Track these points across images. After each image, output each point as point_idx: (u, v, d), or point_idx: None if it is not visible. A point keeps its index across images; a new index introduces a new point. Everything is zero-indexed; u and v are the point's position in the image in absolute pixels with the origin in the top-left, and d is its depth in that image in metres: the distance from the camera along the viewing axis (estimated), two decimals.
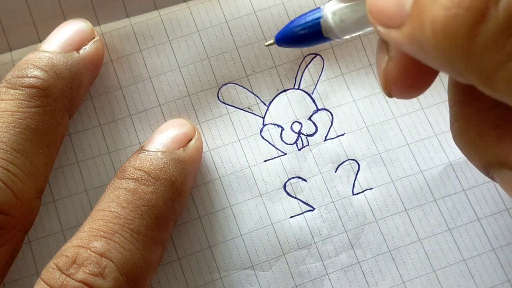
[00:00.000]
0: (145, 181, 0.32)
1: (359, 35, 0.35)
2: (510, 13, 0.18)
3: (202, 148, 0.36)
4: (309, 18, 0.30)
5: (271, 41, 0.34)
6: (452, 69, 0.21)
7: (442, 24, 0.19)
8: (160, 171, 0.33)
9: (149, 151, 0.34)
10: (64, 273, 0.29)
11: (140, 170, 0.32)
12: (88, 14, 0.38)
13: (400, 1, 0.21)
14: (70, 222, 0.36)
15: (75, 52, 0.35)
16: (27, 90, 0.32)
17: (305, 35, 0.30)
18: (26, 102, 0.32)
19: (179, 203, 0.33)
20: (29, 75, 0.33)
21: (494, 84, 0.20)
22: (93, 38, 0.36)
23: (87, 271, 0.28)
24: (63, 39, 0.35)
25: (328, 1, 0.29)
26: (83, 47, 0.36)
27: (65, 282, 0.28)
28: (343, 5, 0.28)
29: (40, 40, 0.38)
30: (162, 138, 0.34)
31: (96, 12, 0.39)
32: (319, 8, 0.29)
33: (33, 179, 0.32)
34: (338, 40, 0.30)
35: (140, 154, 0.33)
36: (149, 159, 0.33)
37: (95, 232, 0.30)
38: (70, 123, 0.37)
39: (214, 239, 0.36)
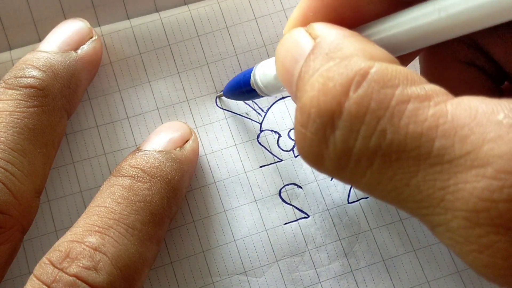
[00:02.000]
0: (141, 178, 0.32)
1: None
2: (337, 154, 0.23)
3: (198, 150, 0.36)
4: (243, 77, 0.34)
5: (220, 93, 0.38)
6: None
7: (299, 150, 0.25)
8: (156, 169, 0.33)
9: (145, 150, 0.34)
10: (57, 268, 0.28)
11: (136, 168, 0.33)
12: (88, 14, 0.38)
13: (290, 84, 0.26)
14: (64, 222, 0.36)
15: (73, 51, 0.35)
16: (25, 90, 0.32)
17: (241, 92, 0.34)
18: (24, 102, 0.32)
19: (175, 201, 0.33)
20: (27, 75, 0.33)
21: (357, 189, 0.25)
22: (91, 38, 0.36)
23: (81, 265, 0.28)
24: (61, 39, 0.35)
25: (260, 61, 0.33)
26: (81, 47, 0.36)
27: (57, 276, 0.28)
28: (266, 65, 0.31)
29: (40, 39, 0.38)
30: (159, 139, 0.35)
31: (96, 13, 0.39)
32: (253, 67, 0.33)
33: (31, 179, 0.32)
34: (269, 96, 0.35)
35: (136, 154, 0.34)
36: (145, 158, 0.33)
37: (90, 227, 0.30)
38: (67, 124, 0.37)
39: (208, 244, 0.36)
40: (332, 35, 0.25)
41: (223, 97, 0.38)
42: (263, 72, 0.31)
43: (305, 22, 0.27)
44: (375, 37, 0.25)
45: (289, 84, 0.26)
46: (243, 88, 0.34)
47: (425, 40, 0.24)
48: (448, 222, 0.21)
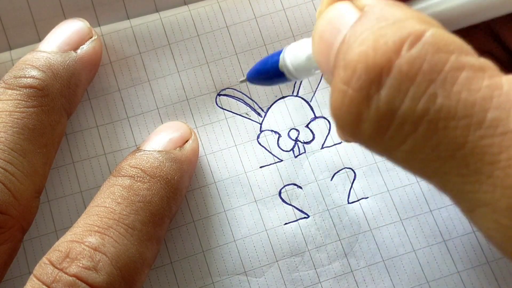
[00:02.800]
0: (141, 178, 0.32)
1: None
2: (379, 115, 0.21)
3: (198, 149, 0.36)
4: (271, 59, 0.32)
5: (243, 78, 0.35)
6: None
7: (333, 112, 0.23)
8: (156, 169, 0.33)
9: (145, 150, 0.34)
10: (57, 268, 0.28)
11: (136, 168, 0.33)
12: (88, 14, 0.38)
13: (328, 57, 0.24)
14: (63, 222, 0.36)
15: (72, 51, 0.35)
16: (24, 90, 0.32)
17: (268, 75, 0.32)
18: (23, 102, 0.32)
19: (175, 201, 0.33)
20: (27, 75, 0.33)
21: (391, 160, 0.23)
22: (91, 38, 0.36)
23: (80, 265, 0.28)
24: (61, 39, 0.35)
25: (289, 44, 0.31)
26: (81, 47, 0.36)
27: (57, 276, 0.28)
28: (297, 46, 0.30)
29: (40, 39, 0.38)
30: (159, 139, 0.35)
31: (96, 13, 0.39)
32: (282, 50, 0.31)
33: (31, 179, 0.32)
34: (298, 80, 0.32)
35: (136, 154, 0.34)
36: (145, 158, 0.33)
37: (89, 227, 0.30)
38: (67, 124, 0.37)
39: (208, 244, 0.36)
40: (381, 3, 0.23)
41: (223, 97, 0.38)
42: (294, 54, 0.30)
43: None
44: (424, 9, 0.25)
45: (326, 57, 0.24)
46: (270, 71, 0.32)
47: (474, 16, 0.24)
48: (495, 202, 0.20)
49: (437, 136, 0.21)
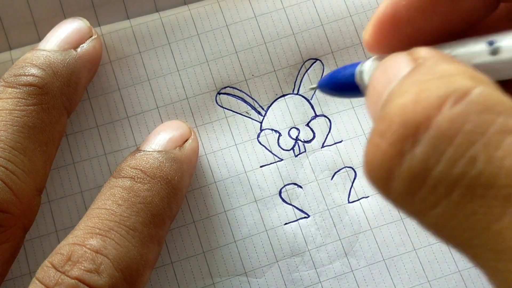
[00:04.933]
0: (141, 179, 0.32)
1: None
2: (411, 174, 0.20)
3: (198, 149, 0.36)
4: (345, 71, 0.30)
5: (314, 86, 0.34)
6: None
7: (366, 165, 0.22)
8: (156, 169, 0.33)
9: (145, 151, 0.34)
10: (59, 271, 0.28)
11: (136, 169, 0.33)
12: (88, 14, 0.38)
13: (376, 108, 0.23)
14: (64, 223, 0.36)
15: (72, 50, 0.35)
16: (24, 88, 0.32)
17: (342, 87, 0.30)
18: (23, 100, 0.32)
19: (175, 201, 0.33)
20: (27, 74, 0.33)
21: (421, 225, 0.21)
22: (91, 37, 0.36)
23: (82, 267, 0.28)
24: (61, 37, 0.35)
25: (367, 59, 0.29)
26: (81, 45, 0.36)
27: (60, 279, 0.28)
28: (375, 64, 0.28)
29: (40, 39, 0.37)
30: (158, 139, 0.34)
31: (96, 13, 0.39)
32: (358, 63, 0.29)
33: (32, 177, 0.32)
34: None
35: (136, 154, 0.34)
36: (145, 159, 0.33)
37: (91, 230, 0.30)
38: (67, 124, 0.37)
39: (208, 245, 0.36)
40: (436, 57, 0.22)
41: (223, 95, 0.38)
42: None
43: (397, 13, 0.25)
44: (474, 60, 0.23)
45: (375, 107, 0.23)
46: (344, 83, 0.30)
47: None
48: None
49: (473, 203, 0.19)
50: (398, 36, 0.26)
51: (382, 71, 0.23)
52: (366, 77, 0.28)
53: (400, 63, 0.23)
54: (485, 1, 0.26)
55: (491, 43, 0.23)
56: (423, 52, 0.23)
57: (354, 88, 0.29)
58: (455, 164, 0.19)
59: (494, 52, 0.23)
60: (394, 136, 0.20)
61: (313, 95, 0.38)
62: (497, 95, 0.20)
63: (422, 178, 0.20)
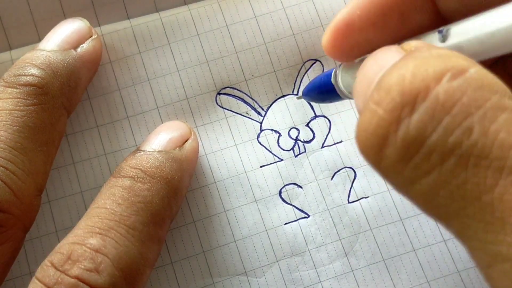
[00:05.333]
0: (141, 179, 0.32)
1: None
2: (407, 141, 0.20)
3: (198, 149, 0.36)
4: (325, 77, 0.32)
5: (299, 95, 0.37)
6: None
7: (359, 133, 0.22)
8: (156, 169, 0.33)
9: (145, 151, 0.34)
10: (59, 270, 0.28)
11: (136, 168, 0.33)
12: (88, 14, 0.38)
13: (366, 91, 0.23)
14: (64, 223, 0.36)
15: (72, 50, 0.35)
16: (24, 89, 0.32)
17: (321, 93, 0.32)
18: (23, 100, 0.32)
19: (175, 201, 0.33)
20: (26, 74, 0.33)
21: (408, 196, 0.22)
22: (91, 36, 0.36)
23: (82, 266, 0.28)
24: (61, 37, 0.35)
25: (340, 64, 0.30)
26: (81, 45, 0.36)
27: (59, 278, 0.28)
28: (349, 67, 0.29)
29: (40, 40, 0.38)
30: (158, 139, 0.35)
31: (96, 13, 0.39)
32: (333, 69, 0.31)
33: (32, 177, 0.32)
34: (352, 99, 0.31)
35: (136, 154, 0.34)
36: (145, 158, 0.33)
37: (90, 229, 0.30)
38: (67, 124, 0.37)
39: (208, 244, 0.36)
40: (428, 45, 0.23)
41: (223, 96, 0.38)
42: (346, 75, 0.30)
43: (352, 22, 0.26)
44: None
45: (364, 93, 0.23)
46: (324, 91, 0.32)
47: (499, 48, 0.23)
48: None
49: (465, 173, 0.19)
50: (351, 43, 0.28)
51: (374, 60, 0.24)
52: (340, 81, 0.30)
53: (392, 53, 0.23)
54: (431, 18, 0.27)
55: (440, 32, 0.24)
56: (414, 43, 0.24)
57: (333, 91, 0.31)
58: (451, 133, 0.19)
59: (444, 38, 0.24)
60: (392, 103, 0.21)
61: None
62: (491, 76, 0.20)
63: (417, 145, 0.20)
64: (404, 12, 0.27)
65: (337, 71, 0.31)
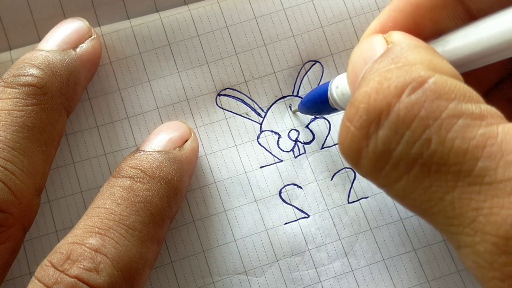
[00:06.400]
0: (141, 179, 0.32)
1: None
2: (376, 154, 0.23)
3: (198, 149, 0.36)
4: (319, 91, 0.33)
5: (295, 109, 0.37)
6: None
7: (339, 145, 0.25)
8: (155, 169, 0.33)
9: (145, 151, 0.34)
10: (58, 270, 0.28)
11: (136, 168, 0.33)
12: (88, 14, 0.38)
13: (355, 81, 0.26)
14: (64, 222, 0.36)
15: (71, 50, 0.35)
16: (23, 89, 0.32)
17: (317, 107, 0.34)
18: (22, 100, 0.32)
19: (175, 201, 0.33)
20: (26, 74, 0.33)
21: (389, 195, 0.25)
22: (90, 37, 0.36)
23: (81, 266, 0.28)
24: (60, 37, 0.35)
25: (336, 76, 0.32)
26: (80, 45, 0.36)
27: (59, 278, 0.28)
28: (344, 78, 0.31)
29: (40, 40, 0.38)
30: (158, 139, 0.35)
31: (96, 13, 0.39)
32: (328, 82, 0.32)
33: (31, 177, 0.32)
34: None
35: (136, 154, 0.34)
36: (145, 158, 0.33)
37: (90, 229, 0.30)
38: (67, 124, 0.37)
39: (208, 244, 0.36)
40: (405, 43, 0.25)
41: (223, 97, 0.38)
42: (341, 88, 0.31)
43: (384, 32, 0.28)
44: (446, 48, 0.26)
45: (353, 86, 0.26)
46: (320, 104, 0.34)
47: (491, 55, 0.24)
48: (475, 245, 0.21)
49: (429, 178, 0.22)
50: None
51: (360, 53, 0.26)
52: (335, 96, 0.31)
53: (375, 46, 0.26)
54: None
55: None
56: (395, 36, 0.26)
57: (326, 105, 0.33)
58: (413, 145, 0.22)
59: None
60: (360, 121, 0.23)
61: None
62: (451, 82, 0.22)
63: (386, 157, 0.23)
64: (435, 19, 0.28)
65: (331, 84, 0.31)
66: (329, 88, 0.32)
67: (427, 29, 0.28)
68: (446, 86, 0.22)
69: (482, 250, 0.21)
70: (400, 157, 0.22)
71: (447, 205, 0.22)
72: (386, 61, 0.24)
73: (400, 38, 0.25)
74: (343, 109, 0.32)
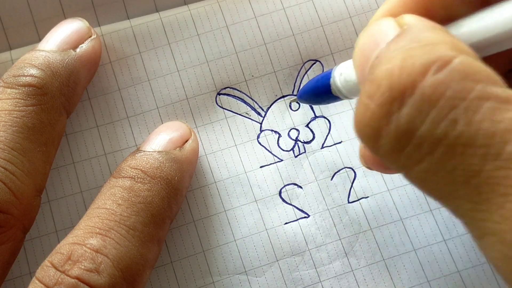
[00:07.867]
0: (141, 179, 0.32)
1: None
2: (398, 133, 0.22)
3: (198, 149, 0.36)
4: (321, 78, 0.32)
5: (294, 98, 0.37)
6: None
7: (356, 124, 0.24)
8: (156, 169, 0.33)
9: (145, 151, 0.34)
10: (59, 270, 0.28)
11: (136, 169, 0.33)
12: (88, 14, 0.38)
13: (364, 70, 0.25)
14: (64, 223, 0.36)
15: (71, 50, 0.35)
16: (23, 89, 0.32)
17: (318, 95, 0.32)
18: (22, 100, 0.32)
19: (176, 201, 0.33)
20: (26, 74, 0.33)
21: (407, 179, 0.24)
22: (90, 37, 0.36)
23: (82, 267, 0.28)
24: (60, 37, 0.35)
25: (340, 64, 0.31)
26: (80, 46, 0.36)
27: (60, 279, 0.28)
28: (348, 66, 0.30)
29: (40, 40, 0.38)
30: (158, 139, 0.35)
31: (96, 13, 0.39)
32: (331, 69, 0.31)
33: (31, 178, 0.32)
34: (350, 99, 0.32)
35: (136, 154, 0.34)
36: (145, 159, 0.33)
37: (91, 229, 0.30)
38: (67, 124, 0.37)
39: (208, 244, 0.36)
40: (421, 24, 0.24)
41: (223, 96, 0.38)
42: (344, 75, 0.30)
43: (393, 15, 0.27)
44: (461, 31, 0.25)
45: (363, 69, 0.25)
46: (321, 92, 0.32)
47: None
48: (503, 233, 0.20)
49: (453, 160, 0.21)
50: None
51: (369, 35, 0.25)
52: (339, 83, 0.30)
53: (386, 28, 0.24)
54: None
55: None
56: (408, 18, 0.25)
57: (332, 94, 0.31)
58: (438, 125, 0.21)
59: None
60: (382, 98, 0.22)
61: None
62: (476, 64, 0.22)
63: (408, 136, 0.22)
64: (447, 4, 0.27)
65: (334, 72, 0.31)
66: (332, 75, 0.31)
67: (438, 15, 0.27)
68: (471, 67, 0.21)
69: (510, 238, 0.20)
70: (424, 137, 0.21)
71: (472, 190, 0.21)
72: (405, 41, 0.23)
73: (415, 20, 0.24)
74: (345, 97, 0.31)
